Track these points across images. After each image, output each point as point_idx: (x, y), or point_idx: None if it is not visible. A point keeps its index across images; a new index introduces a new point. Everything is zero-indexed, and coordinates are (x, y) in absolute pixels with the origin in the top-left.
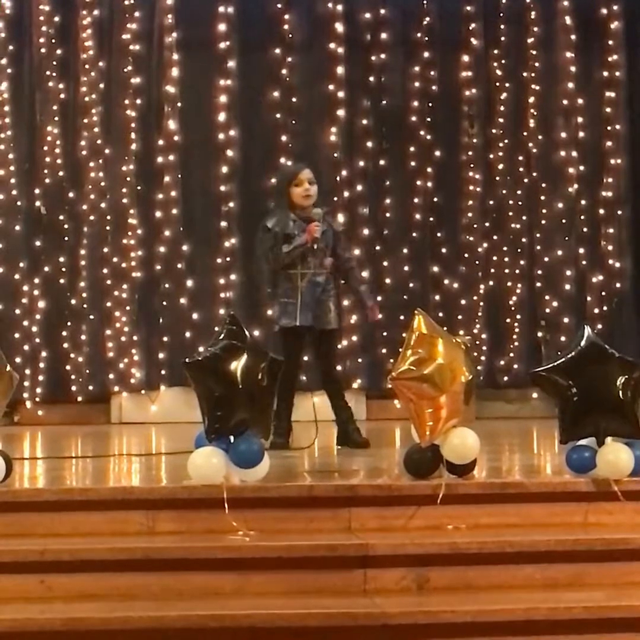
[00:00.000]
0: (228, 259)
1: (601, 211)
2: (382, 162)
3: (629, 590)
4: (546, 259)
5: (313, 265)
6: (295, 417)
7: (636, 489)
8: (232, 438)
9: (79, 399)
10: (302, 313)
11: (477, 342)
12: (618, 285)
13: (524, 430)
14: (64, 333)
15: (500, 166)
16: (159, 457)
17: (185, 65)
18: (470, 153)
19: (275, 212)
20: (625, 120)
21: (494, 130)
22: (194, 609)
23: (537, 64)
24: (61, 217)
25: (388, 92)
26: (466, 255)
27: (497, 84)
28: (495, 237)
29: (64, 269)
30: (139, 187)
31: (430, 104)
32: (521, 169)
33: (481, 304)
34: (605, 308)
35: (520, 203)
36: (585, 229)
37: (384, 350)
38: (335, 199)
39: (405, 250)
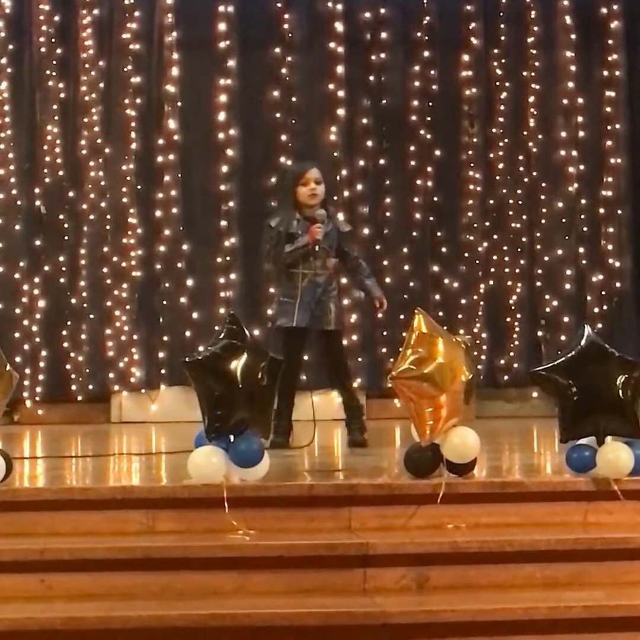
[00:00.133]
0: (228, 258)
1: (601, 210)
2: (382, 162)
3: (629, 590)
4: (546, 258)
5: (315, 266)
6: (295, 417)
7: (636, 488)
8: (232, 437)
9: (79, 398)
10: (300, 313)
11: (477, 342)
12: (618, 284)
13: (524, 430)
14: (64, 332)
15: (501, 165)
16: (159, 457)
17: (185, 64)
18: (470, 152)
19: (280, 210)
20: (625, 119)
21: (494, 130)
22: (194, 608)
23: (537, 64)
24: (61, 217)
25: (388, 91)
26: (466, 254)
27: (497, 83)
28: (495, 237)
29: (64, 268)
30: (139, 187)
31: (430, 104)
32: (521, 169)
33: (481, 303)
34: (605, 307)
35: (520, 202)
36: (585, 228)
37: (384, 350)
38: (335, 198)
39: (405, 250)
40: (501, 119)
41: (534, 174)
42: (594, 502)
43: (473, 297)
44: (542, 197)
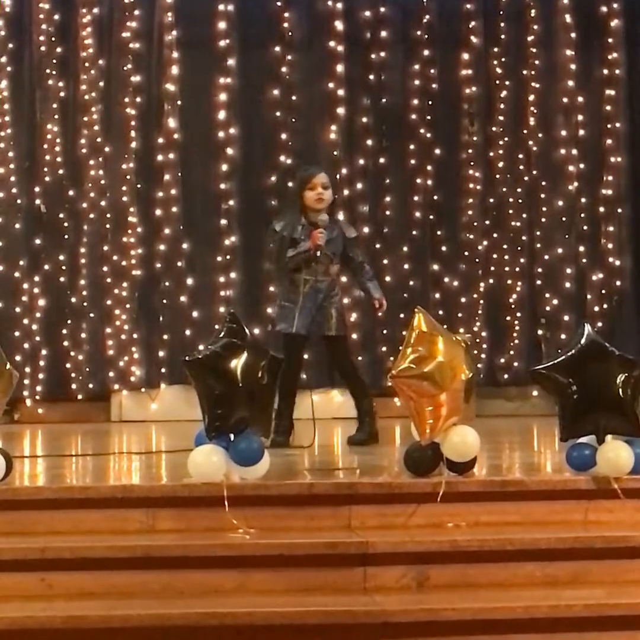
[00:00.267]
0: (228, 257)
1: (601, 209)
2: (382, 160)
3: (629, 588)
4: (546, 257)
5: (317, 272)
6: (295, 416)
7: (636, 486)
8: (232, 436)
9: (79, 397)
10: (300, 319)
11: (477, 340)
12: (618, 283)
13: (524, 428)
14: (64, 331)
15: (501, 164)
16: (159, 455)
17: (185, 63)
18: (470, 151)
19: (286, 214)
20: (625, 118)
21: (494, 128)
22: (195, 606)
23: (537, 62)
24: (61, 215)
25: (388, 90)
26: (466, 253)
27: (497, 82)
28: (495, 235)
29: (64, 267)
30: (139, 185)
31: (430, 102)
32: (521, 167)
33: (481, 302)
34: (605, 306)
35: (520, 201)
36: (585, 227)
37: (384, 349)
38: (335, 197)
39: (405, 249)
40: (501, 118)
41: (534, 172)
42: (594, 500)
43: (473, 296)
44: (542, 195)
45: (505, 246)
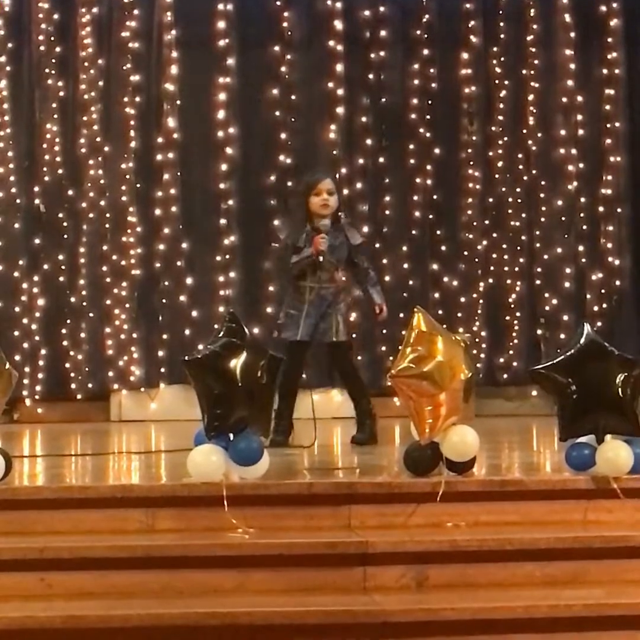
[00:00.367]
0: (227, 256)
1: (601, 209)
2: (381, 160)
3: (628, 588)
4: (546, 257)
5: (322, 279)
6: (295, 415)
7: (635, 486)
8: (231, 436)
9: (79, 396)
10: (305, 327)
11: (477, 340)
12: (617, 282)
13: (524, 428)
14: (64, 331)
15: (500, 164)
16: (159, 455)
17: (184, 62)
18: (469, 150)
19: (292, 222)
20: (625, 117)
21: (493, 128)
22: (194, 606)
23: (536, 62)
24: (60, 215)
25: (387, 89)
26: (466, 252)
27: (497, 81)
28: (494, 235)
29: (63, 267)
30: (138, 185)
31: (429, 102)
32: (521, 167)
33: (481, 301)
34: (604, 306)
35: (519, 201)
36: (584, 227)
37: (383, 348)
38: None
39: (404, 248)
40: (500, 117)
41: (534, 172)
42: (593, 500)
43: (472, 296)
44: (542, 195)
45: (504, 246)
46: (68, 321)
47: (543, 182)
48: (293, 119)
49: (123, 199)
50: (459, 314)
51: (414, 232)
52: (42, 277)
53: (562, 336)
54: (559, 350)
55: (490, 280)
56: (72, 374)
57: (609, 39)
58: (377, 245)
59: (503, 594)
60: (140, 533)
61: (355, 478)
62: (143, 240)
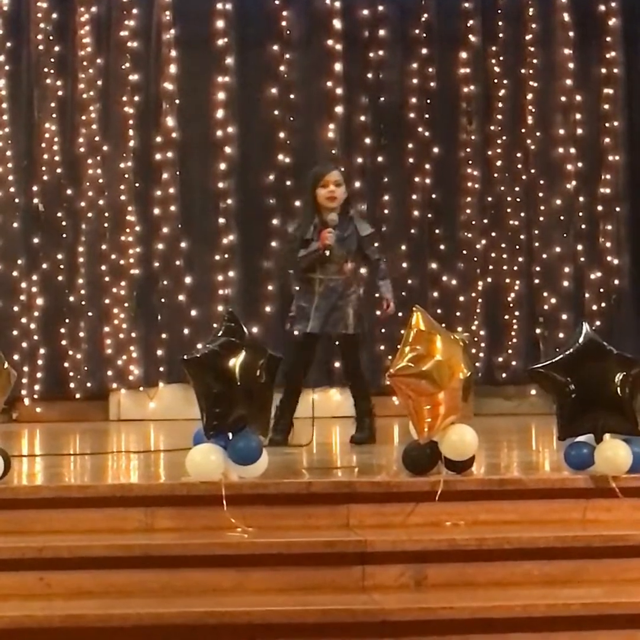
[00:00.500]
0: (226, 255)
1: (599, 208)
2: (380, 159)
3: (627, 587)
4: (544, 256)
5: (331, 271)
6: (295, 414)
7: (634, 485)
8: (230, 435)
9: (78, 396)
10: (315, 319)
11: (476, 339)
12: (616, 282)
13: (522, 427)
14: (62, 330)
15: (499, 163)
16: (158, 454)
17: (183, 62)
18: (468, 150)
19: (300, 215)
20: (624, 117)
21: (492, 127)
22: (193, 605)
23: (535, 61)
24: (59, 214)
25: (386, 88)
26: (464, 252)
27: (496, 80)
28: (493, 234)
29: (62, 266)
30: (137, 184)
31: (428, 101)
32: (519, 166)
33: (479, 300)
34: (603, 305)
35: (518, 200)
36: (583, 226)
37: (382, 347)
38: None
39: (403, 247)
40: (499, 116)
41: (532, 171)
42: (592, 499)
43: (471, 295)
44: (541, 194)
45: (503, 245)
46: (67, 320)
47: (542, 181)
48: (292, 118)
49: (122, 198)
50: (458, 313)
51: (412, 231)
52: (41, 277)
53: (561, 335)
54: (557, 350)
55: (489, 280)
56: (71, 373)
57: (608, 38)
58: (376, 244)
59: (502, 593)
60: (139, 532)
61: (354, 477)
62: (142, 239)
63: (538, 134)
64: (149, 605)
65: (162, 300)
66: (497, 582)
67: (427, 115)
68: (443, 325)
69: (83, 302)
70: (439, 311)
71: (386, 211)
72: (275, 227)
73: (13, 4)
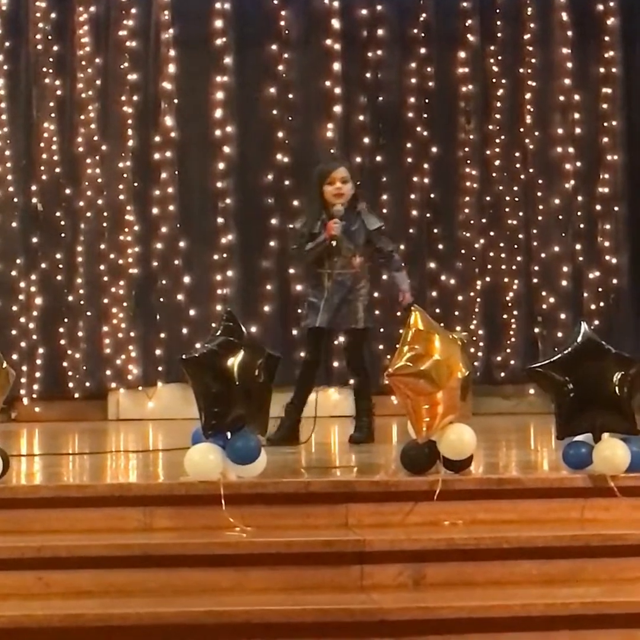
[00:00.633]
0: (225, 255)
1: (598, 207)
2: (378, 159)
3: (625, 586)
4: (543, 255)
5: (339, 265)
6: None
7: (632, 485)
8: (229, 434)
9: (76, 395)
10: (324, 313)
11: (474, 338)
12: (615, 281)
13: (521, 426)
14: (61, 330)
15: (497, 162)
16: (156, 454)
17: (181, 61)
18: (466, 149)
19: (307, 211)
20: (622, 116)
21: (490, 127)
22: (192, 605)
23: (533, 60)
24: (58, 214)
25: (385, 88)
26: (463, 251)
27: (494, 80)
28: (492, 234)
29: (60, 266)
30: (135, 184)
31: (426, 100)
32: (518, 165)
33: (478, 300)
34: (602, 304)
35: (517, 199)
36: (582, 225)
37: (380, 347)
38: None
39: (402, 247)
40: (498, 116)
41: (531, 170)
42: (590, 498)
43: (470, 294)
44: (539, 194)
45: (501, 244)
46: (65, 320)
47: (540, 181)
48: (290, 118)
49: (120, 197)
50: (456, 313)
51: (411, 230)
52: (40, 276)
53: (560, 334)
54: (556, 349)
55: (488, 279)
56: (70, 373)
57: (606, 38)
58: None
59: (500, 592)
60: (138, 532)
61: (353, 477)
62: (140, 239)
63: (536, 133)
64: (148, 605)
65: (161, 299)
66: (495, 581)
67: (425, 115)
68: (441, 324)
69: (82, 302)
70: (437, 310)
71: (385, 211)
72: (274, 226)
73: (12, 3)
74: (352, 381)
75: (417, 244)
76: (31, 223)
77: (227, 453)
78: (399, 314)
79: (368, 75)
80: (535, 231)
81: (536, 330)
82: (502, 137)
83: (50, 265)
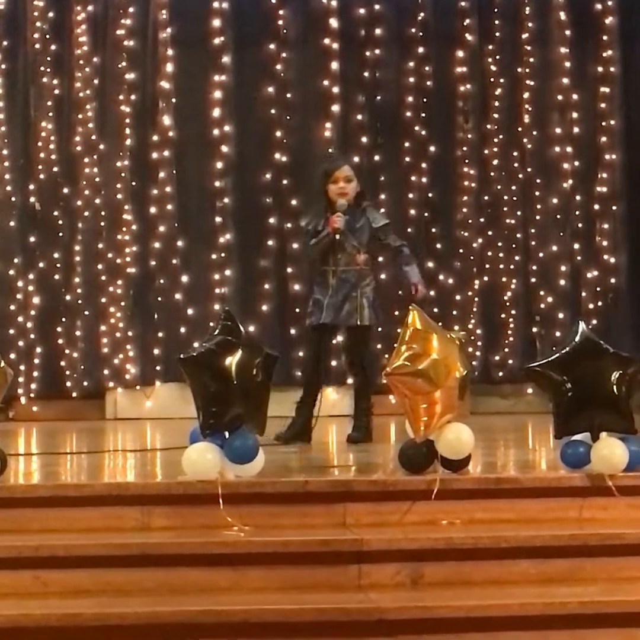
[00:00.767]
0: (223, 254)
1: (596, 207)
2: (376, 158)
3: (623, 585)
4: (541, 255)
5: (343, 262)
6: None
7: (630, 484)
8: (227, 434)
9: (74, 394)
10: (328, 310)
11: (472, 338)
12: (613, 280)
13: (519, 426)
14: (59, 329)
15: (495, 162)
16: (154, 453)
17: (179, 61)
18: (465, 148)
19: (311, 210)
20: (620, 115)
21: (488, 126)
22: (189, 604)
23: (531, 60)
24: (56, 213)
25: (383, 87)
26: (461, 250)
27: (492, 79)
28: (490, 233)
29: (58, 265)
30: (133, 183)
31: (424, 100)
32: (516, 165)
33: (476, 299)
34: (600, 303)
35: (515, 198)
36: (580, 225)
37: (379, 346)
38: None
39: None
40: (496, 115)
41: (529, 170)
42: (588, 498)
43: (468, 293)
44: (537, 193)
45: (500, 244)
46: (63, 319)
47: (538, 180)
48: (288, 117)
49: (118, 197)
50: (454, 312)
51: (409, 230)
52: (38, 275)
53: (558, 334)
54: (554, 348)
55: (486, 278)
56: (68, 372)
57: (604, 37)
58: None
59: (498, 591)
60: (136, 531)
61: (351, 476)
62: (138, 238)
63: (535, 132)
64: (146, 604)
65: (159, 299)
66: (493, 580)
67: (423, 114)
68: (440, 323)
69: (80, 301)
70: (435, 310)
71: (383, 210)
72: (272, 225)
73: (9, 2)
74: (351, 380)
75: (415, 243)
76: (29, 222)
77: (225, 452)
78: (397, 313)
79: (366, 74)
80: (533, 230)
81: (534, 329)
82: (501, 136)
83: (48, 264)
